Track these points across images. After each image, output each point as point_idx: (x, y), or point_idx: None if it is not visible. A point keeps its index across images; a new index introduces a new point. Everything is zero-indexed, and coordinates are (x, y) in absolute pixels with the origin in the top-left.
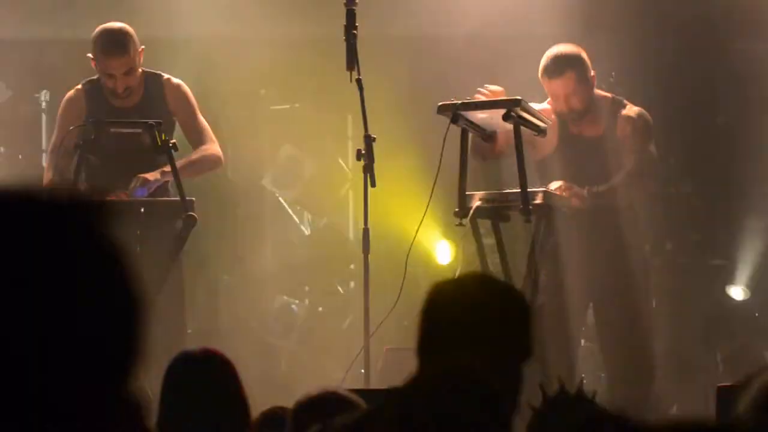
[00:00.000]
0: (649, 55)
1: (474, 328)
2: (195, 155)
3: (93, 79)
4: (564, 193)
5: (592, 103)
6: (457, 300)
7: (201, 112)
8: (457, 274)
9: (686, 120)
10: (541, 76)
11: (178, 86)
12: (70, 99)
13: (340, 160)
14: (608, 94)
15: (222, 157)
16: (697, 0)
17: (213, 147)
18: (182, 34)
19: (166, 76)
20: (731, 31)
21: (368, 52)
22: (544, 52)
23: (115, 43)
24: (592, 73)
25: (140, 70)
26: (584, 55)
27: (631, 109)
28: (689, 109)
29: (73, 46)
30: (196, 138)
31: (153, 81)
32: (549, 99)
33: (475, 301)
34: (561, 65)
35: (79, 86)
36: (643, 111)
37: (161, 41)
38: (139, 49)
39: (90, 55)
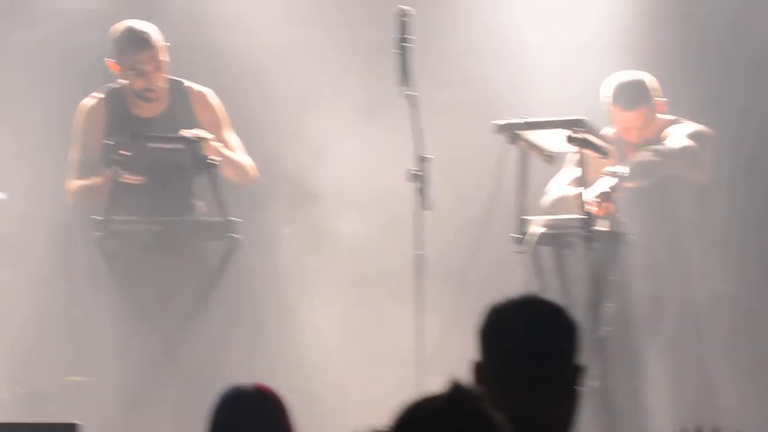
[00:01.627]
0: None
1: (526, 349)
2: (236, 156)
3: (112, 87)
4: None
5: (660, 131)
6: (510, 321)
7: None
8: None
9: None
10: (613, 104)
11: (203, 94)
12: (88, 107)
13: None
14: (671, 117)
15: (256, 174)
16: None
17: (252, 164)
18: (225, 40)
19: (187, 83)
20: None
21: (423, 64)
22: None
23: (141, 34)
24: (663, 100)
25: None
26: (656, 83)
27: (685, 124)
28: None
29: None
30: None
31: (176, 88)
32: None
33: (528, 321)
34: (637, 97)
35: (99, 94)
36: (701, 126)
37: (199, 46)
38: (164, 45)
39: (110, 59)
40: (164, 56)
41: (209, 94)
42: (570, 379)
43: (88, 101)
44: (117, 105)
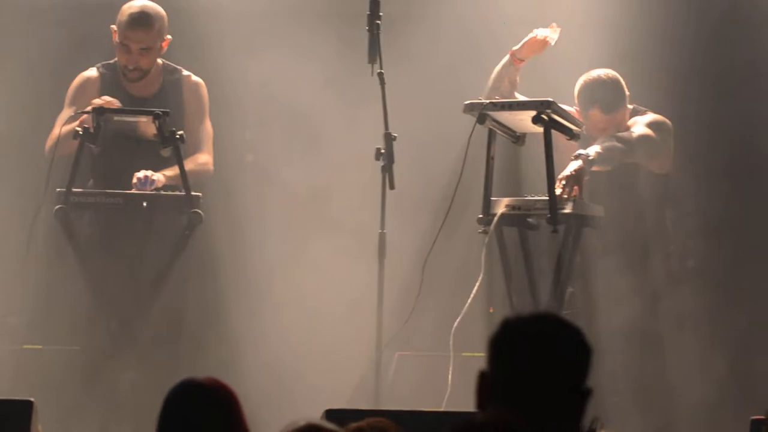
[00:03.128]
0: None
1: (540, 367)
2: (189, 165)
3: (108, 63)
4: (565, 190)
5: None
6: (527, 336)
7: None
8: (478, 283)
9: None
10: (589, 107)
11: (197, 84)
12: (87, 79)
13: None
14: (630, 106)
15: (212, 171)
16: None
17: (209, 160)
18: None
19: (186, 72)
20: None
21: (392, 40)
22: (581, 46)
23: (141, 15)
24: (627, 93)
25: (160, 61)
26: (623, 82)
27: (647, 115)
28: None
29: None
30: (196, 143)
31: (172, 74)
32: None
33: (546, 339)
34: (615, 101)
35: (96, 68)
36: (660, 117)
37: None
38: (165, 37)
39: (114, 26)
40: (158, 42)
41: (201, 85)
42: (578, 403)
43: (87, 72)
44: (112, 81)
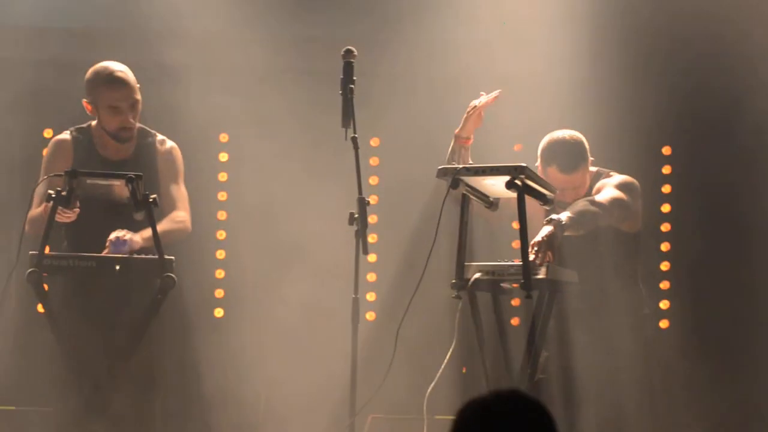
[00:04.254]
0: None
1: None
2: (165, 225)
3: (82, 127)
4: (538, 256)
5: (590, 183)
6: (489, 422)
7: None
8: (452, 348)
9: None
10: (547, 165)
11: (171, 148)
12: (59, 143)
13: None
14: (594, 169)
15: (189, 230)
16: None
17: (186, 218)
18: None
19: (160, 136)
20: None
21: (364, 102)
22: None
23: (117, 73)
24: (589, 155)
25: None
26: (586, 144)
27: (614, 177)
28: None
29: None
30: (171, 203)
31: (146, 138)
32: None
33: (510, 423)
34: (574, 161)
35: (69, 132)
36: (629, 178)
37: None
38: (137, 85)
39: (85, 99)
40: (138, 95)
41: (175, 149)
42: None
43: (60, 137)
44: (86, 145)
